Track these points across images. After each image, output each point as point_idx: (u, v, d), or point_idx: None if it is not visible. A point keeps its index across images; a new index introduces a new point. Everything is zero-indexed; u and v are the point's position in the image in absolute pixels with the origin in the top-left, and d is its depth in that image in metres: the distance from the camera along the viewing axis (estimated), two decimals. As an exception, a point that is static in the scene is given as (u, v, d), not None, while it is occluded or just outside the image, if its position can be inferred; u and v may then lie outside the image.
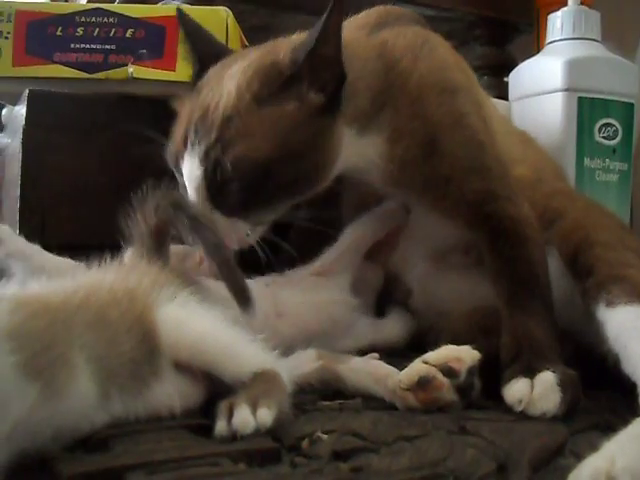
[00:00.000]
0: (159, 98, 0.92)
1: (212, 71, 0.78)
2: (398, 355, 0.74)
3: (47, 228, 0.84)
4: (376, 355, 0.72)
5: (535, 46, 1.39)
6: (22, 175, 0.90)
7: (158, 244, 0.70)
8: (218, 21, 0.93)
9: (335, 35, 0.70)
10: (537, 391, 0.63)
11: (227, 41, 0.93)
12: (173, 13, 0.92)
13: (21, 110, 0.93)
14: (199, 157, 0.71)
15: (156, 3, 1.01)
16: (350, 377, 0.68)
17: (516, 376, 0.65)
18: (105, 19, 0.93)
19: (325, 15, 0.68)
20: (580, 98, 1.03)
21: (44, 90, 0.92)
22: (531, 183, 0.83)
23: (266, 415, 0.54)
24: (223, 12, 0.94)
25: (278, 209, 0.74)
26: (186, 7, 0.97)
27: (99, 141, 0.93)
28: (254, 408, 0.54)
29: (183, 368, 0.59)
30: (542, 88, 1.07)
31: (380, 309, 0.89)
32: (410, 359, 0.66)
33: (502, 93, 1.22)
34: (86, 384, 0.51)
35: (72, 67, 0.92)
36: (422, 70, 0.77)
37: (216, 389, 0.59)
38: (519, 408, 0.63)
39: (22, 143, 0.91)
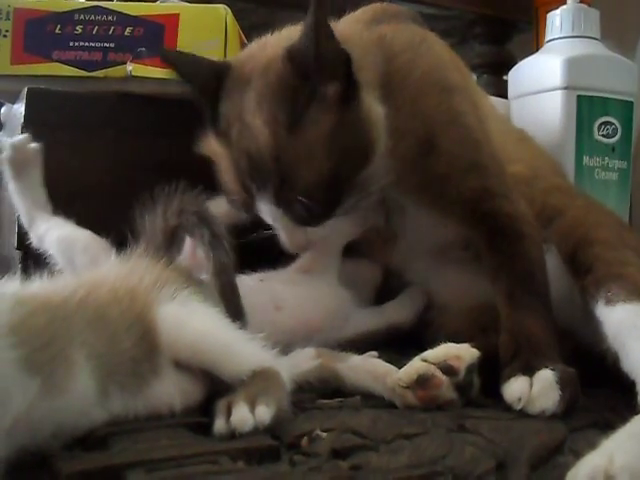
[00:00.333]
0: (158, 96, 0.92)
1: (226, 108, 0.76)
2: (397, 353, 0.74)
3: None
4: (375, 353, 0.72)
5: (534, 44, 1.39)
6: (21, 173, 0.90)
7: (170, 245, 0.70)
8: (217, 19, 0.93)
9: (326, 27, 0.69)
10: (536, 389, 0.63)
11: (226, 39, 0.93)
12: (172, 11, 0.92)
13: (20, 108, 0.93)
14: (273, 203, 0.73)
15: (155, 1, 1.01)
16: (349, 375, 0.68)
17: (515, 374, 0.65)
18: (104, 17, 0.93)
19: (312, 13, 0.68)
20: (579, 96, 1.03)
21: (43, 88, 0.92)
22: (527, 180, 0.83)
23: (264, 413, 0.54)
24: (222, 10, 0.94)
25: (357, 196, 0.76)
26: (185, 5, 0.97)
27: (98, 139, 0.93)
28: (252, 406, 0.54)
29: (183, 366, 0.59)
30: (541, 86, 1.07)
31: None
32: (409, 357, 0.66)
33: (501, 91, 1.22)
34: (86, 381, 0.51)
35: (71, 65, 0.92)
36: (422, 67, 0.77)
37: (215, 387, 0.59)
38: (518, 406, 0.63)
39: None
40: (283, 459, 0.51)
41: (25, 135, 0.79)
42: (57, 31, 0.93)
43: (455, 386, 0.63)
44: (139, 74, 0.91)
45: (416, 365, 0.64)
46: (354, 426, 0.57)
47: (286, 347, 0.68)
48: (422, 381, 0.63)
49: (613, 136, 1.05)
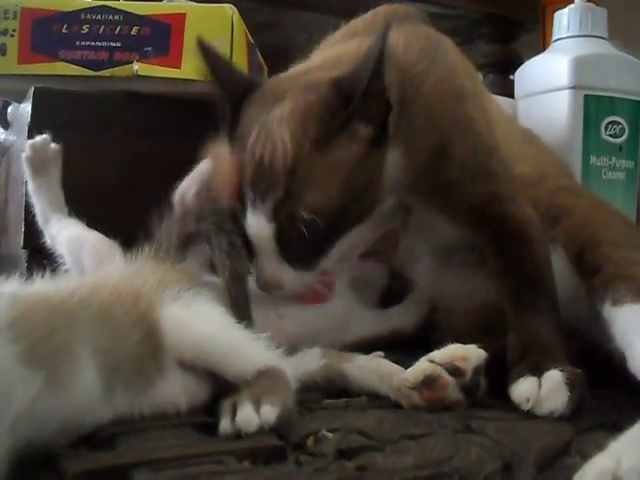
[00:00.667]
0: (165, 95, 0.92)
1: (249, 116, 0.72)
2: (403, 353, 0.74)
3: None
4: (381, 353, 0.72)
5: (541, 43, 1.39)
6: (27, 173, 0.90)
7: (183, 249, 0.70)
8: (223, 18, 0.93)
9: (382, 66, 0.67)
10: (545, 390, 0.63)
11: (232, 39, 0.93)
12: (178, 10, 0.92)
13: (27, 108, 0.93)
14: (266, 215, 0.67)
15: (161, 0, 1.01)
16: (355, 375, 0.68)
17: (523, 375, 0.65)
18: (111, 16, 0.94)
19: (375, 47, 0.65)
20: (586, 96, 1.03)
21: (49, 87, 0.92)
22: (533, 180, 0.82)
23: (269, 412, 0.54)
24: (228, 9, 0.94)
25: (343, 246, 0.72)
26: (192, 5, 0.98)
27: (104, 138, 0.93)
28: (257, 405, 0.54)
29: (188, 366, 0.59)
30: (548, 86, 1.07)
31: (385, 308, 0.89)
32: (416, 357, 0.66)
33: (508, 91, 1.22)
34: (90, 376, 0.52)
35: (77, 65, 0.93)
36: (437, 76, 0.75)
37: (221, 387, 0.59)
38: (526, 407, 0.63)
39: (27, 141, 0.91)
40: (289, 459, 0.51)
41: (45, 136, 0.79)
42: (64, 30, 0.93)
43: (461, 387, 0.63)
44: (145, 73, 0.92)
45: (422, 366, 0.64)
46: (360, 426, 0.57)
47: (291, 347, 0.68)
48: (428, 382, 0.62)
49: (620, 136, 1.05)
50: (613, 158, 1.05)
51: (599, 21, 1.08)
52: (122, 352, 0.55)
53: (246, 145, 0.70)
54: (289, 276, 0.70)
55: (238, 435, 0.52)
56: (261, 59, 1.10)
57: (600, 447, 0.48)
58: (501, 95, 1.11)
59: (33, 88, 0.92)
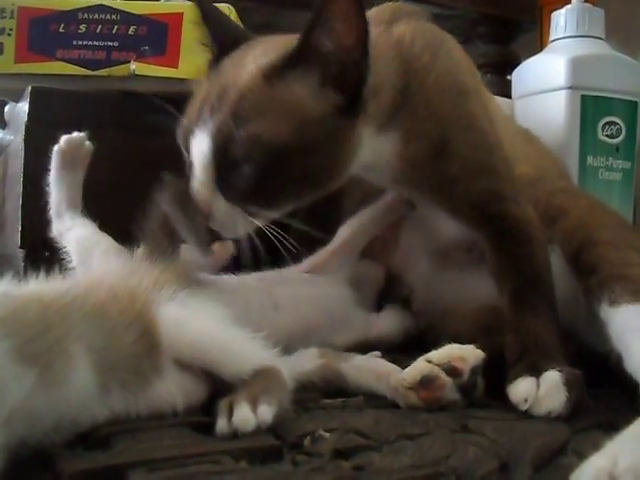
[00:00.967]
0: (162, 95, 0.92)
1: (235, 53, 0.74)
2: (401, 353, 0.74)
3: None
4: (378, 353, 0.72)
5: (538, 44, 1.39)
6: (24, 172, 0.90)
7: (171, 240, 0.70)
8: (221, 18, 0.93)
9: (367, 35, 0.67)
10: (543, 390, 0.63)
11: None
12: (176, 10, 0.92)
13: (24, 107, 0.93)
14: (210, 133, 0.67)
15: (158, 0, 1.01)
16: (352, 375, 0.68)
17: (522, 375, 0.65)
18: (108, 16, 0.93)
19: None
20: (583, 96, 1.03)
21: (46, 87, 0.92)
22: (533, 181, 0.82)
23: (266, 412, 0.54)
24: (226, 9, 0.93)
25: (284, 205, 0.71)
26: (189, 4, 0.97)
27: (101, 138, 0.93)
28: (254, 405, 0.54)
29: (185, 366, 0.59)
30: (545, 86, 1.07)
31: (382, 307, 0.89)
32: (413, 357, 0.66)
33: (505, 91, 1.22)
34: (85, 374, 0.52)
35: (74, 64, 0.93)
36: (440, 70, 0.76)
37: (218, 386, 0.59)
38: (524, 407, 0.63)
39: (25, 140, 0.91)
40: (286, 459, 0.51)
41: (82, 134, 0.79)
42: (61, 30, 0.93)
43: (459, 387, 0.63)
44: (143, 73, 0.91)
45: (420, 366, 0.64)
46: (357, 426, 0.57)
47: (287, 347, 0.68)
48: (426, 382, 0.63)
49: (617, 136, 1.05)
50: (610, 158, 1.05)
51: (596, 21, 1.08)
52: (117, 351, 0.55)
53: (220, 74, 0.72)
54: (219, 205, 0.68)
55: (235, 435, 0.52)
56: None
57: (597, 447, 0.48)
58: (498, 95, 1.11)
59: (30, 87, 0.92)
